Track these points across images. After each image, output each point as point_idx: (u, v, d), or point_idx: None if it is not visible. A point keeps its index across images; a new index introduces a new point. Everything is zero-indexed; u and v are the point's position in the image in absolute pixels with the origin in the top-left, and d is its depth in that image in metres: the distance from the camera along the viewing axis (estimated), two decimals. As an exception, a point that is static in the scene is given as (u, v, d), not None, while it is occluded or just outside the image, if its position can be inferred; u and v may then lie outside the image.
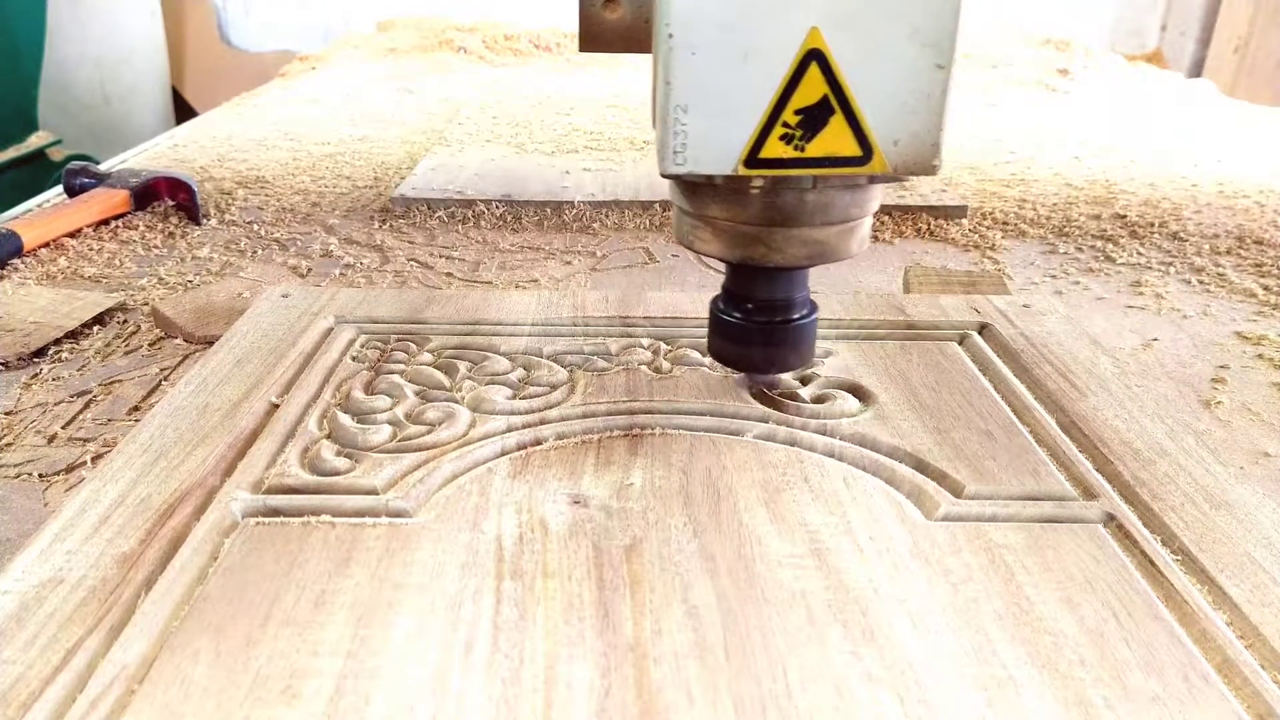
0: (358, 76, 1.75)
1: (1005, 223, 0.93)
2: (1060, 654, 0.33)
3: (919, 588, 0.36)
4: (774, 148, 0.38)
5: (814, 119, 0.38)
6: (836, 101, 0.37)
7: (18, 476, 0.49)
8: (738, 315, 0.46)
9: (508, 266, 0.80)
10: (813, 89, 0.37)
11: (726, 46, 0.36)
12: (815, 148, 0.38)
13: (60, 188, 0.97)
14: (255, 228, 0.90)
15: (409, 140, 1.26)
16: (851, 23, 0.36)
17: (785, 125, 0.38)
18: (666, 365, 0.53)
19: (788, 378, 0.52)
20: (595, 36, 0.52)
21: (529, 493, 0.41)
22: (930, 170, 0.39)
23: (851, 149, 0.38)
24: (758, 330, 0.46)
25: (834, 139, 0.38)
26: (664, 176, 0.43)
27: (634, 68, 1.89)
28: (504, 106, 1.45)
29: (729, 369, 0.52)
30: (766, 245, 0.42)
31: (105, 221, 0.88)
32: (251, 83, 1.81)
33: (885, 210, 0.93)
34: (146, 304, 0.71)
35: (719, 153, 0.38)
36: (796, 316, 0.46)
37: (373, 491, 0.41)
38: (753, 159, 0.38)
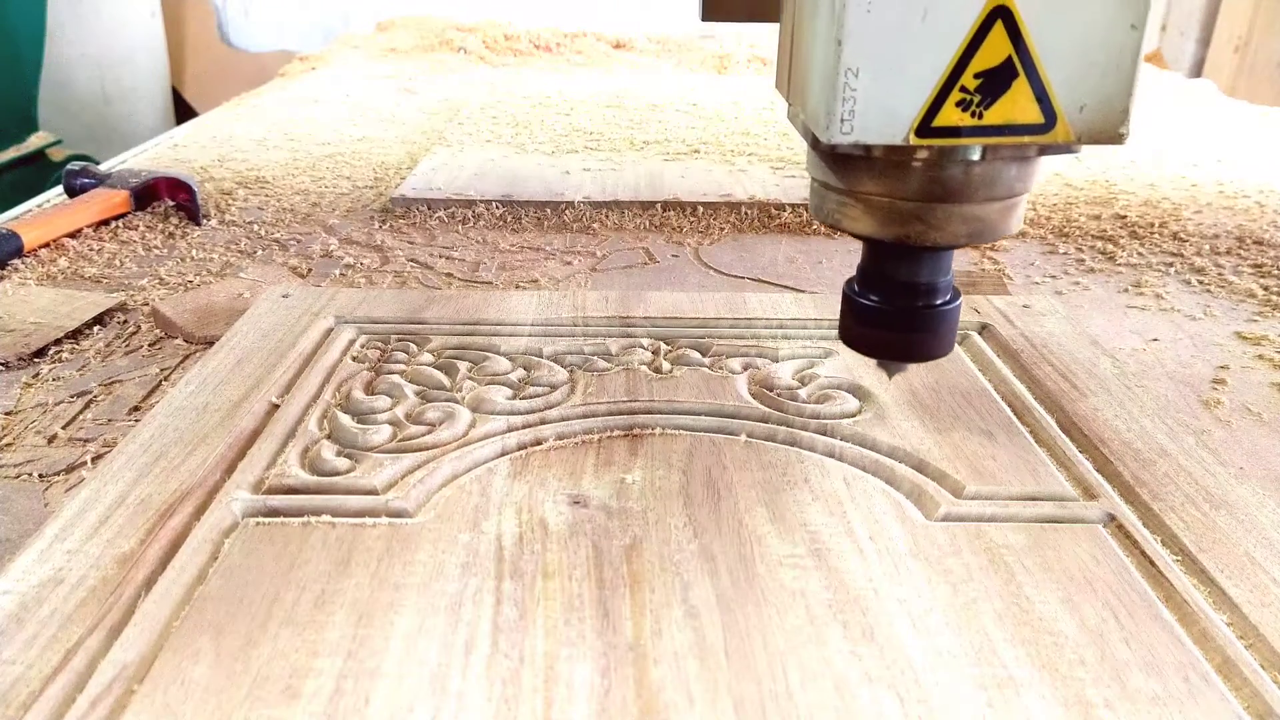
0: (358, 76, 1.75)
1: (1005, 223, 0.93)
2: (1060, 654, 0.33)
3: (919, 588, 0.36)
4: (949, 114, 0.35)
5: (995, 83, 0.35)
6: (1021, 64, 0.35)
7: (18, 476, 0.49)
8: (877, 298, 0.43)
9: (508, 266, 0.80)
10: (996, 50, 0.35)
11: (905, 5, 0.34)
12: (994, 114, 0.36)
13: (60, 188, 0.97)
14: (255, 228, 0.90)
15: (409, 140, 1.26)
16: None
17: (963, 90, 0.35)
18: (666, 365, 0.53)
19: (787, 377, 0.52)
20: (720, 4, 0.50)
21: (529, 493, 0.41)
22: (1118, 138, 0.36)
23: (1033, 115, 0.36)
24: (902, 315, 0.43)
25: (1015, 104, 0.35)
26: (814, 148, 0.41)
27: (631, 66, 1.89)
28: (504, 106, 1.45)
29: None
30: (925, 223, 0.40)
31: (105, 221, 0.88)
32: (251, 83, 1.81)
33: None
34: (146, 304, 0.71)
35: (890, 120, 0.35)
36: (942, 301, 0.43)
37: (373, 492, 0.41)
38: (925, 127, 0.36)
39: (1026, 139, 0.36)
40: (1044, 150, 0.38)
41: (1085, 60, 0.35)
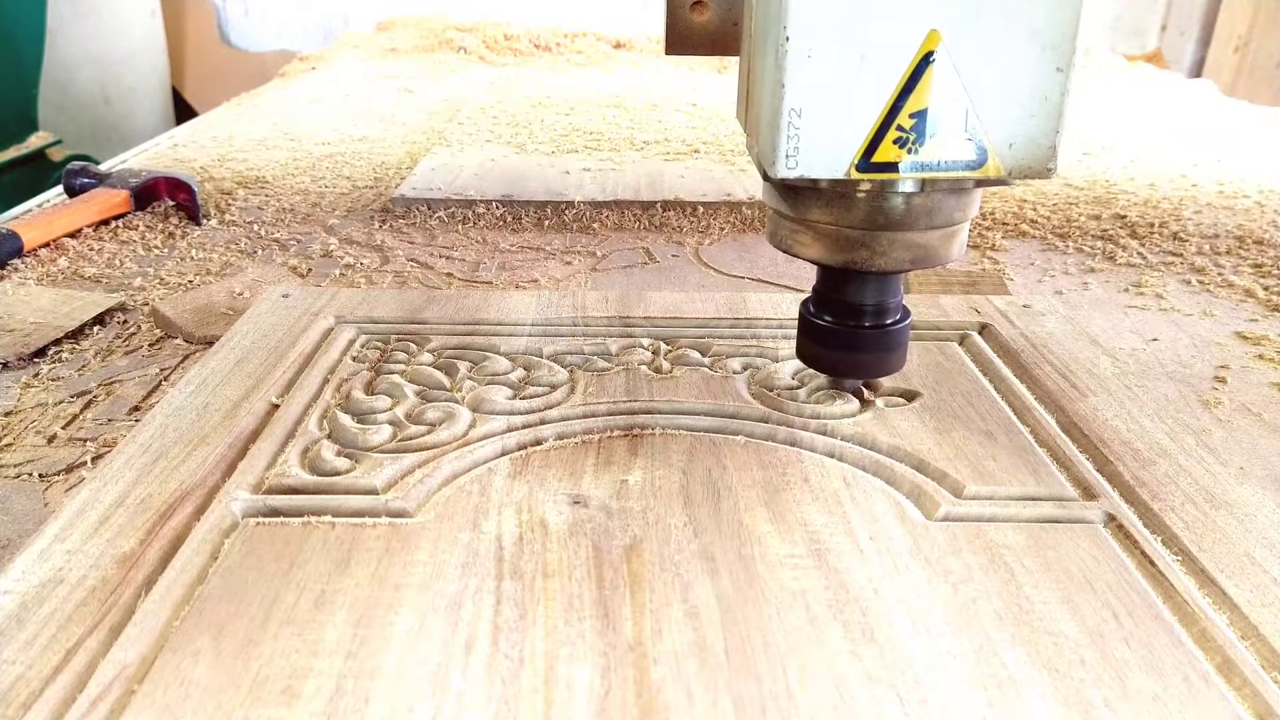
0: (358, 76, 1.75)
1: (1005, 223, 0.93)
2: (1060, 654, 0.33)
3: (919, 588, 0.36)
4: (887, 151, 0.38)
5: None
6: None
7: (18, 476, 0.49)
8: (829, 319, 0.46)
9: (508, 266, 0.80)
10: (930, 92, 0.37)
11: (843, 49, 0.36)
12: (929, 151, 0.38)
13: (60, 188, 0.97)
14: (255, 228, 0.90)
15: (409, 140, 1.26)
16: (971, 25, 0.36)
17: (899, 129, 0.38)
18: (666, 365, 0.53)
19: (787, 377, 0.52)
20: (682, 39, 0.52)
21: (529, 493, 0.41)
22: (1045, 174, 0.39)
23: (966, 153, 0.38)
24: (850, 335, 0.46)
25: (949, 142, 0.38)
26: (765, 180, 0.43)
27: (631, 66, 1.89)
28: (504, 106, 1.45)
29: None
30: (870, 249, 0.42)
31: (105, 221, 0.88)
32: (251, 83, 1.81)
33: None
34: (146, 304, 0.71)
35: (832, 156, 0.38)
36: (891, 321, 0.46)
37: (373, 491, 0.41)
38: (865, 162, 0.38)
39: (961, 174, 0.39)
40: (980, 183, 0.40)
41: (1013, 101, 0.37)
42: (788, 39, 0.36)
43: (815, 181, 0.40)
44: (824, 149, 0.38)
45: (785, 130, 0.37)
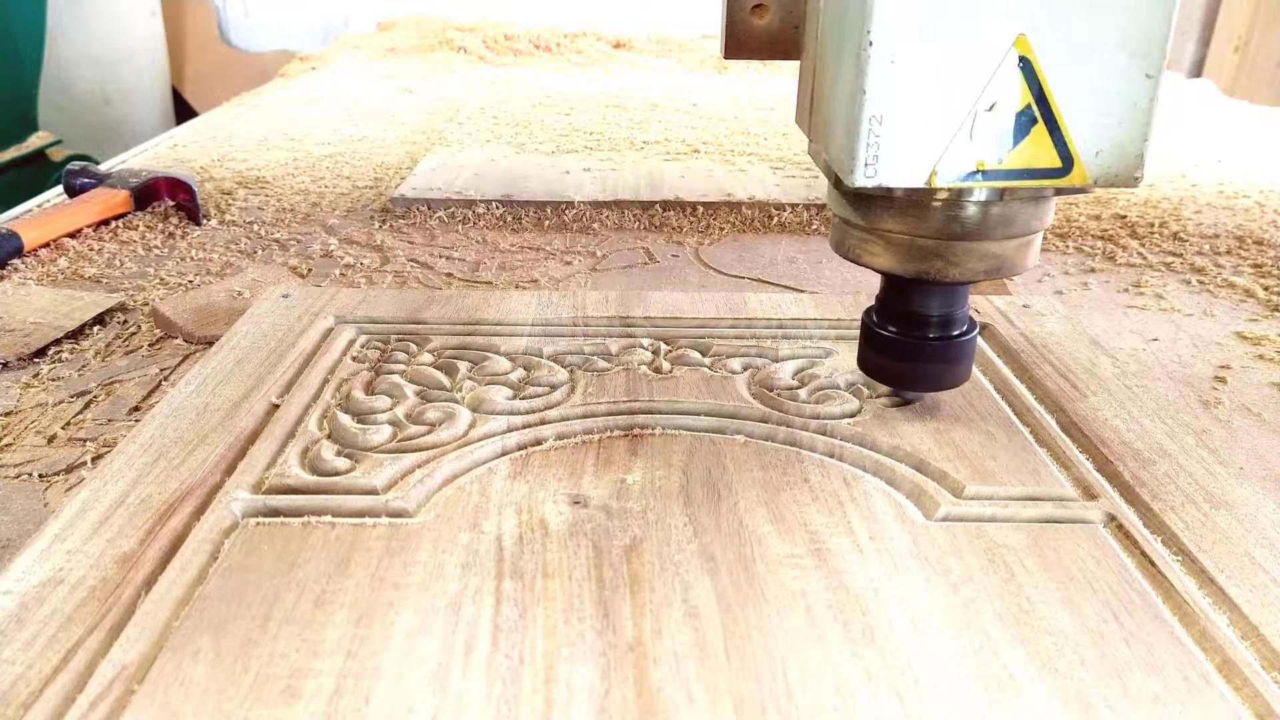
0: (358, 76, 1.75)
1: (1005, 223, 0.93)
2: (1060, 654, 0.33)
3: (919, 588, 0.36)
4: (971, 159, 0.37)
5: (1015, 129, 0.37)
6: (1039, 111, 0.36)
7: (18, 476, 0.49)
8: (895, 330, 0.45)
9: (508, 266, 0.80)
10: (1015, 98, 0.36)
11: (928, 55, 0.35)
12: (1014, 159, 0.37)
13: (60, 188, 0.97)
14: (255, 228, 0.90)
15: (409, 140, 1.26)
16: (1059, 30, 0.35)
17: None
18: (666, 365, 0.53)
19: (787, 377, 0.52)
20: (742, 43, 0.51)
21: (529, 493, 0.41)
22: (1132, 182, 0.37)
23: (1051, 160, 0.37)
24: (918, 346, 0.45)
25: (1034, 149, 0.37)
26: (836, 188, 0.42)
27: (631, 66, 1.89)
28: (504, 106, 1.45)
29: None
30: (944, 259, 0.41)
31: (105, 221, 0.88)
32: (251, 83, 1.81)
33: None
34: (146, 304, 0.71)
35: (912, 165, 0.37)
36: (957, 333, 0.45)
37: (373, 491, 0.41)
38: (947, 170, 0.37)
39: (1044, 182, 0.37)
40: (1060, 191, 0.39)
41: (1102, 108, 0.36)
42: (870, 44, 0.35)
43: (890, 190, 0.39)
44: (905, 157, 0.37)
45: (864, 138, 0.36)
